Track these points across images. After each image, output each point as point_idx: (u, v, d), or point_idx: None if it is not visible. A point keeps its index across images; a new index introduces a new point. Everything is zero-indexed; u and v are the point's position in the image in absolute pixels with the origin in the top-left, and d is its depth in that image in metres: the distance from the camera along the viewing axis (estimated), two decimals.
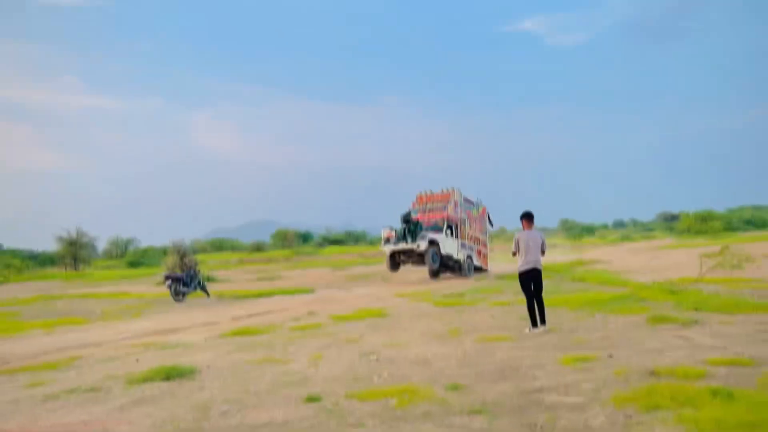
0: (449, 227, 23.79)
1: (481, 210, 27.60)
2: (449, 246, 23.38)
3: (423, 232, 22.16)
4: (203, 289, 19.54)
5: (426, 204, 25.32)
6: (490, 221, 28.09)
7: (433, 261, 22.02)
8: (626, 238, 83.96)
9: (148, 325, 12.84)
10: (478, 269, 25.85)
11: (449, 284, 20.27)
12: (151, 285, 28.26)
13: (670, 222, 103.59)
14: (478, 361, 7.25)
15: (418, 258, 22.48)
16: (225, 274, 34.18)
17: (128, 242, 70.71)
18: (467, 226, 25.42)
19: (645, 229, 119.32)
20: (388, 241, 22.98)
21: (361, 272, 31.33)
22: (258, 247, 77.42)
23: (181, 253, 29.14)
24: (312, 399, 5.83)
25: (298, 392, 6.16)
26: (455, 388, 6.00)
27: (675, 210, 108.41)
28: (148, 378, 7.09)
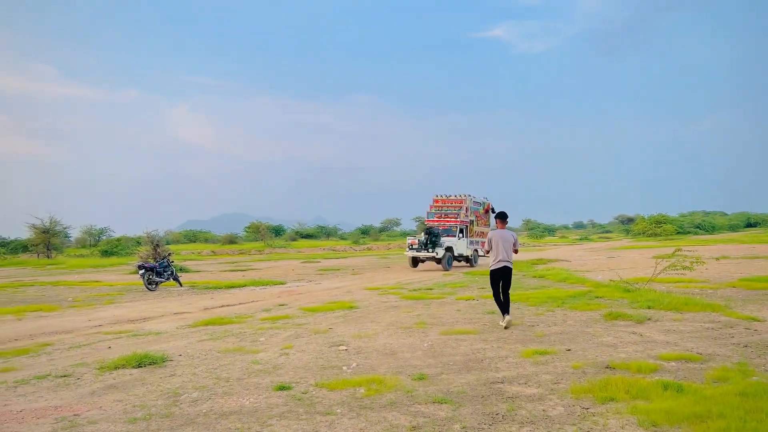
0: (461, 230, 27.09)
1: (486, 206, 30.28)
2: (461, 247, 26.95)
3: (441, 240, 25.26)
4: (176, 279, 19.25)
5: (441, 208, 28.29)
6: (493, 211, 30.04)
7: (448, 264, 25.16)
8: (585, 239, 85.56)
9: (121, 313, 12.59)
10: (484, 256, 27.89)
11: (419, 278, 20.33)
12: (124, 274, 27.74)
13: (626, 224, 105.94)
14: (443, 353, 7.29)
15: (437, 261, 25.46)
16: (197, 265, 33.76)
17: (102, 231, 69.28)
18: (475, 224, 28.58)
19: (603, 231, 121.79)
20: (411, 247, 25.97)
21: (331, 265, 31.23)
22: (231, 239, 76.64)
23: (155, 244, 28.66)
24: (282, 387, 5.79)
25: (268, 380, 6.12)
26: (421, 378, 6.03)
27: (631, 213, 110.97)
28: (119, 365, 6.96)
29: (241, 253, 55.20)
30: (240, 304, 13.84)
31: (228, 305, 13.66)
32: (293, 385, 5.91)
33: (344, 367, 6.65)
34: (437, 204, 28.46)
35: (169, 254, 20.87)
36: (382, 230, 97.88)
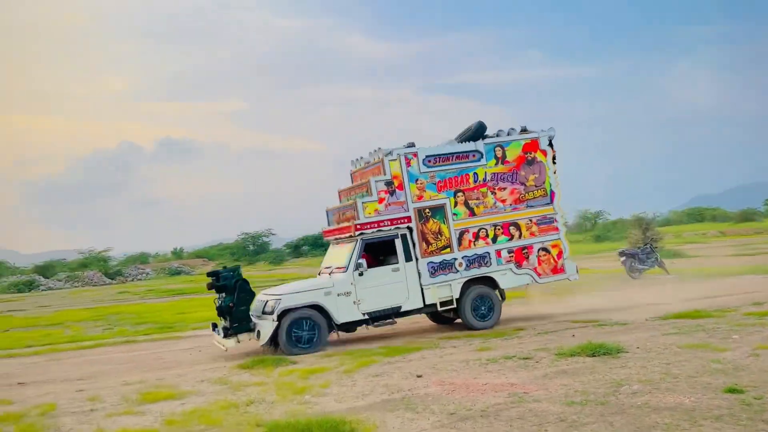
0: (372, 245, 10.79)
1: (520, 148, 11.82)
2: (376, 294, 10.53)
3: (261, 297, 10.56)
4: (661, 265, 19.44)
5: (351, 194, 12.15)
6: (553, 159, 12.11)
7: (312, 346, 10.05)
8: None
9: (596, 302, 13.77)
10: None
11: None
12: (614, 261, 29.25)
13: None
14: None
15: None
16: (697, 249, 32.71)
17: (597, 215, 73.34)
18: (451, 208, 11.30)
19: None
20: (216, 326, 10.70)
21: None
22: (745, 217, 70.32)
23: (644, 227, 29.29)
24: (733, 390, 5.78)
25: (721, 381, 6.15)
26: None
27: None
28: (575, 353, 8.01)
29: (756, 233, 50.25)
30: (728, 295, 13.28)
31: (714, 296, 13.28)
32: (747, 389, 5.80)
33: None
34: (355, 179, 12.65)
35: (653, 239, 21.20)
36: None
